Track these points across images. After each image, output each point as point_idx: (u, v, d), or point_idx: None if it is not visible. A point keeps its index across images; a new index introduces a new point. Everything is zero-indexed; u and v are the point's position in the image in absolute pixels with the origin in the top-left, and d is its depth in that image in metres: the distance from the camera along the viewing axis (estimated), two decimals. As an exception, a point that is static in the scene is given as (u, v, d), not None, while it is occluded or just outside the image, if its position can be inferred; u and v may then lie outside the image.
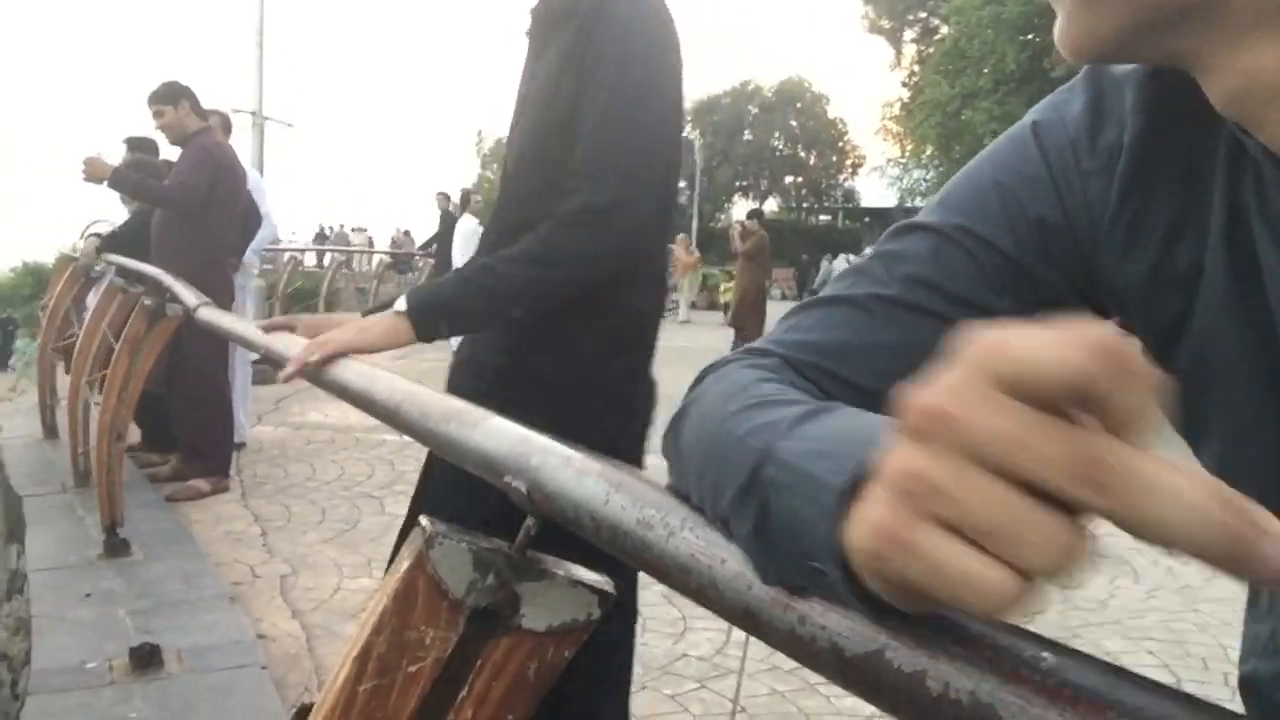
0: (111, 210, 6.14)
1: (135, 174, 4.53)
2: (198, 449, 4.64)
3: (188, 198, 4.46)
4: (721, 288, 19.85)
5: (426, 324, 1.44)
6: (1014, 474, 0.30)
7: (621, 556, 0.60)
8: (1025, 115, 0.64)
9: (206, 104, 4.82)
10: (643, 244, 1.47)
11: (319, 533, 4.10)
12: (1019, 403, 0.31)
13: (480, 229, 10.79)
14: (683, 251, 18.86)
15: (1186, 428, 0.62)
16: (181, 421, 4.64)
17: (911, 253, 0.63)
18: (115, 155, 5.65)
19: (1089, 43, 0.50)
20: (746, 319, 10.89)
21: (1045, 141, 0.61)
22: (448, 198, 11.58)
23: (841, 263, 20.57)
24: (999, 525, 0.31)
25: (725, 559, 0.51)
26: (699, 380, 0.65)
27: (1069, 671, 0.36)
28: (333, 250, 20.27)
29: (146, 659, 2.66)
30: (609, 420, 1.50)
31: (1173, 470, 0.29)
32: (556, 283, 1.43)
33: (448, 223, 10.18)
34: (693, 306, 18.63)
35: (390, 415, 1.01)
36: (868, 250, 0.69)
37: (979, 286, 0.61)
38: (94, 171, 4.43)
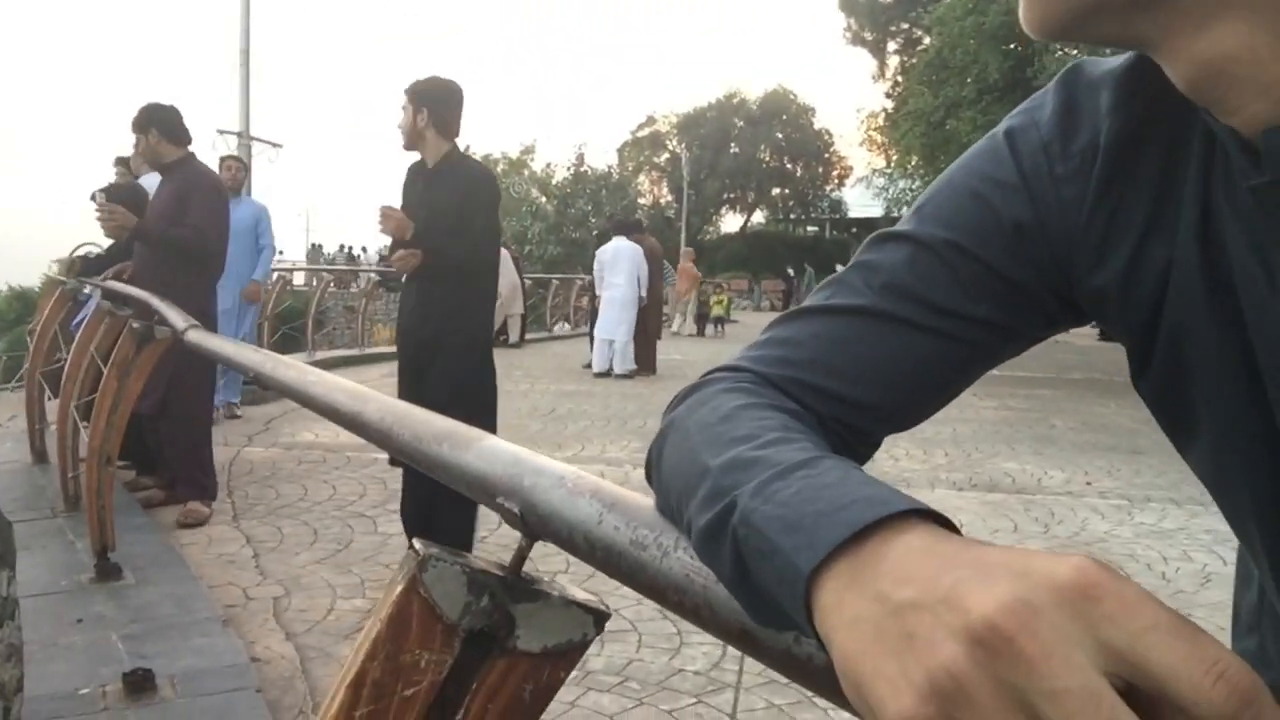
0: (96, 234, 6.13)
1: (159, 226, 4.45)
2: (191, 473, 4.62)
3: (215, 243, 4.57)
4: (710, 300, 19.84)
5: None
6: None
7: (616, 577, 0.60)
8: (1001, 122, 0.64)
9: (193, 125, 4.81)
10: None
11: (312, 553, 4.09)
12: (1101, 672, 0.30)
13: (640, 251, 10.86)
14: (690, 265, 18.78)
15: (1172, 429, 0.61)
16: (174, 446, 4.62)
17: (888, 262, 0.63)
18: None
19: (1048, 23, 0.50)
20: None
21: (1018, 146, 0.60)
22: None
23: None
24: None
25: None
26: (678, 401, 0.64)
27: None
28: (324, 270, 20.22)
29: (140, 684, 2.64)
30: None
31: None
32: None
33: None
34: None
35: (382, 438, 1.01)
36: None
37: (956, 294, 0.61)
38: (121, 223, 4.40)
